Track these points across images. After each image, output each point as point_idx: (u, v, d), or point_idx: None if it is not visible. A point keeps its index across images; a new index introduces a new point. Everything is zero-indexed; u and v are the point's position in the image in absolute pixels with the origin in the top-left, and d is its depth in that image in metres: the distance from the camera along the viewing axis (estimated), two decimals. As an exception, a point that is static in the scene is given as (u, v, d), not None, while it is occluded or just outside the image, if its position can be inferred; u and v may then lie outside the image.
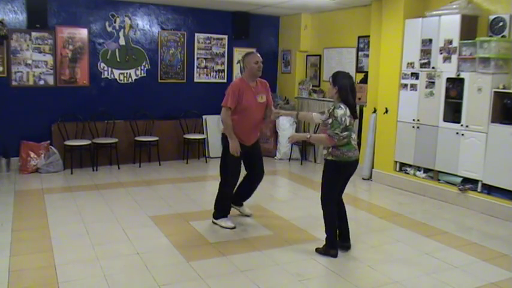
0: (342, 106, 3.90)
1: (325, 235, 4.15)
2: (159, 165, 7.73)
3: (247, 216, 5.09)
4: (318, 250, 4.16)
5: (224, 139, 4.72)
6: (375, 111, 6.92)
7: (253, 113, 4.68)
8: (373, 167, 6.96)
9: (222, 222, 4.79)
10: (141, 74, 7.94)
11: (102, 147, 7.40)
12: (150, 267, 3.79)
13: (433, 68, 5.97)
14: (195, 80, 8.44)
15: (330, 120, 3.91)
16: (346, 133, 3.91)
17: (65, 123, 7.21)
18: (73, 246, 4.21)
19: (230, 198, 4.90)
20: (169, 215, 5.17)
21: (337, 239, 4.15)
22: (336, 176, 4.12)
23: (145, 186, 6.38)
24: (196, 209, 5.45)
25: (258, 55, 4.77)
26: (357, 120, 7.30)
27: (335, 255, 4.06)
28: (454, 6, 5.71)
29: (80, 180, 6.63)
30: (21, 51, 6.98)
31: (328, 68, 8.28)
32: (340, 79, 3.98)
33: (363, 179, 7.05)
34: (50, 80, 7.23)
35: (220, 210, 4.86)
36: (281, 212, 5.38)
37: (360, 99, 7.32)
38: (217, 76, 8.65)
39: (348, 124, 3.90)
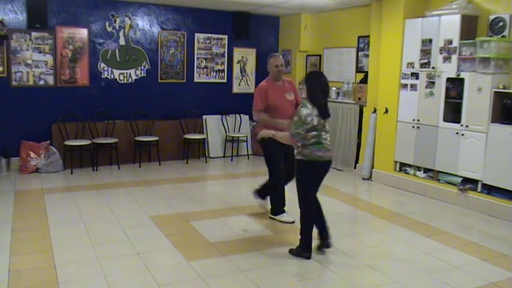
0: (308, 105, 3.86)
1: (300, 236, 4.10)
2: (159, 165, 7.73)
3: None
4: (291, 251, 4.11)
5: (261, 142, 4.86)
6: (374, 111, 6.92)
7: (285, 110, 4.79)
8: (373, 167, 6.96)
9: (281, 217, 4.98)
10: (141, 74, 7.94)
11: (102, 147, 7.40)
12: (150, 267, 3.79)
13: (433, 68, 5.97)
14: (195, 80, 8.44)
15: (295, 119, 3.90)
16: (314, 133, 3.87)
17: (65, 123, 7.21)
18: (73, 246, 4.21)
19: (282, 189, 5.03)
20: (169, 215, 5.17)
21: (312, 240, 4.08)
22: (308, 176, 4.05)
23: (145, 186, 6.38)
24: (196, 209, 5.44)
25: (280, 58, 4.95)
26: (357, 120, 7.33)
27: (308, 257, 4.01)
28: (454, 6, 5.71)
29: (80, 180, 6.63)
30: (21, 51, 6.98)
31: (329, 68, 8.28)
32: (310, 79, 3.96)
33: (363, 179, 7.05)
34: (50, 80, 7.24)
35: (277, 205, 5.02)
36: (281, 212, 5.37)
37: (360, 99, 7.33)
38: (217, 76, 8.65)
39: (315, 124, 3.84)
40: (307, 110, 3.84)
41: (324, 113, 3.91)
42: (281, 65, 4.90)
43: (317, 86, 3.91)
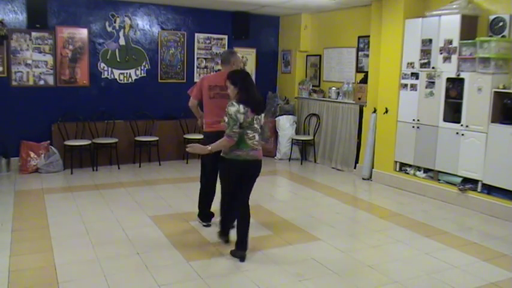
0: (234, 103, 3.76)
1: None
2: (159, 165, 7.73)
3: None
4: (231, 252, 4.05)
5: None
6: (374, 111, 6.92)
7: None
8: (373, 167, 6.96)
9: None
10: (141, 74, 7.94)
11: (102, 147, 7.40)
12: (150, 267, 3.79)
13: (433, 68, 5.97)
14: (195, 80, 8.42)
15: (226, 119, 3.77)
16: (240, 130, 3.79)
17: (65, 123, 7.21)
18: (73, 246, 4.21)
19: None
20: (169, 215, 5.17)
21: (225, 229, 4.25)
22: (224, 173, 3.99)
23: (145, 186, 6.38)
24: (196, 209, 5.44)
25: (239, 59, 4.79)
26: (357, 120, 7.33)
27: (225, 242, 4.23)
28: (454, 6, 5.71)
29: (80, 180, 6.63)
30: (21, 51, 6.98)
31: (328, 68, 8.29)
32: (238, 79, 3.86)
33: (363, 179, 7.05)
34: (50, 80, 7.23)
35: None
36: (281, 212, 5.37)
37: (360, 99, 7.33)
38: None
39: (241, 121, 3.75)
40: (234, 108, 3.74)
41: (257, 109, 3.83)
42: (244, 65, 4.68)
43: (243, 83, 3.83)
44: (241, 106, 3.75)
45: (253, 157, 3.89)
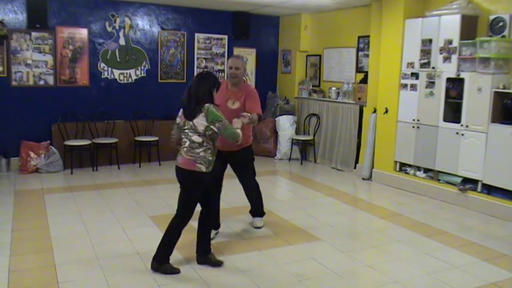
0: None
1: None
2: (159, 165, 7.73)
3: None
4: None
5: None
6: (374, 111, 6.91)
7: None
8: (373, 167, 6.96)
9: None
10: (141, 74, 7.94)
11: (102, 147, 7.40)
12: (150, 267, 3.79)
13: (433, 68, 5.97)
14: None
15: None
16: (178, 134, 3.76)
17: (65, 123, 7.20)
18: (73, 246, 4.21)
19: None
20: (169, 215, 5.09)
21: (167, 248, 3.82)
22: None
23: (145, 186, 6.38)
24: (196, 209, 5.43)
25: (235, 60, 4.43)
26: (357, 120, 7.33)
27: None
28: (454, 6, 5.71)
29: (80, 180, 6.63)
30: (21, 51, 6.98)
31: (328, 68, 8.29)
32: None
33: (363, 179, 7.05)
34: (50, 80, 7.23)
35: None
36: (281, 212, 5.38)
37: (360, 99, 7.33)
38: (217, 76, 8.64)
39: (177, 123, 3.75)
40: (180, 112, 3.71)
41: (186, 114, 3.63)
42: (236, 68, 4.34)
43: (188, 86, 3.68)
44: (181, 110, 3.69)
45: (177, 163, 3.70)
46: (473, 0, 5.74)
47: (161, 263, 3.71)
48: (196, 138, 3.59)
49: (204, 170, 3.62)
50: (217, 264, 3.88)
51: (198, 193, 3.76)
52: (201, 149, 3.60)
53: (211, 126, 3.55)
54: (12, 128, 7.00)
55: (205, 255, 3.92)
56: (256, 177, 4.81)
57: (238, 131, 3.66)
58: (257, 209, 4.89)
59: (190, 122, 3.59)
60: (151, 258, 3.74)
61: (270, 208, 5.48)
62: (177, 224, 3.78)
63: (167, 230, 3.79)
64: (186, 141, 3.65)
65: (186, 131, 3.64)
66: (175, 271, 3.70)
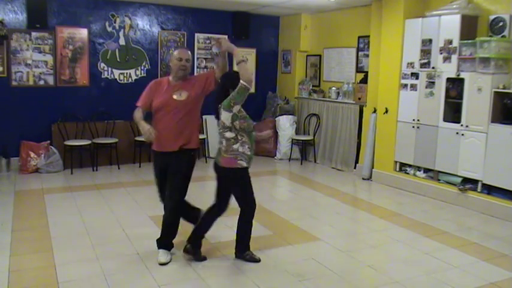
0: None
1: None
2: (159, 165, 7.72)
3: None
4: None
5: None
6: (374, 111, 6.91)
7: (169, 112, 4.11)
8: (373, 167, 6.96)
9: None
10: (141, 74, 7.94)
11: (102, 147, 7.40)
12: (150, 267, 3.79)
13: (433, 68, 5.97)
14: (195, 80, 8.43)
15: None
16: None
17: (65, 123, 7.21)
18: (73, 246, 4.21)
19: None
20: (169, 215, 5.16)
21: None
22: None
23: (145, 186, 6.37)
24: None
25: (185, 52, 4.17)
26: (357, 120, 7.34)
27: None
28: (454, 6, 5.71)
29: (80, 180, 6.63)
30: (21, 51, 6.98)
31: (328, 68, 8.29)
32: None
33: (363, 179, 7.05)
34: (50, 80, 7.24)
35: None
36: (281, 212, 5.37)
37: (360, 99, 7.33)
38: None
39: None
40: None
41: (215, 114, 3.95)
42: (186, 60, 4.14)
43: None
44: None
45: (218, 163, 3.98)
46: (473, 0, 5.74)
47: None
48: (229, 134, 3.78)
49: (245, 165, 3.78)
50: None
51: (249, 185, 3.86)
52: (237, 144, 3.76)
53: (231, 109, 3.71)
54: (12, 128, 7.00)
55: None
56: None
57: (244, 63, 3.90)
58: (166, 238, 3.99)
59: (220, 121, 3.83)
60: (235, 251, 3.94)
61: (270, 208, 5.48)
62: (250, 217, 3.90)
63: (240, 228, 3.93)
64: (222, 141, 3.85)
65: (220, 130, 3.85)
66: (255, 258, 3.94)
